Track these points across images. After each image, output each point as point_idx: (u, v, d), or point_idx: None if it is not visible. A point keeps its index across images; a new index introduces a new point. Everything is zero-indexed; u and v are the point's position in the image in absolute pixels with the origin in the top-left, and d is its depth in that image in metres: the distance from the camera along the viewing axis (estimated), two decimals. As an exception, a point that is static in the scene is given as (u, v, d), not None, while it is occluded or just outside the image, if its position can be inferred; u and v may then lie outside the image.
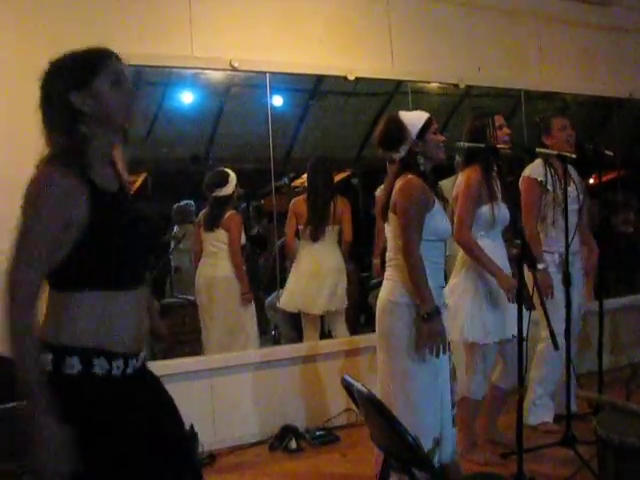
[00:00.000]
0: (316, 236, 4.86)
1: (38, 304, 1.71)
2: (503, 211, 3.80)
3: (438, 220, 3.06)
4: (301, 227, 4.93)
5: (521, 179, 4.33)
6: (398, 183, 3.06)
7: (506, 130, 3.84)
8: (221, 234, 4.76)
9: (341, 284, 4.94)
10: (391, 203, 3.08)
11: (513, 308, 3.66)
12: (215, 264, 4.78)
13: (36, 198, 1.73)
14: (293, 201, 5.00)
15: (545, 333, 4.02)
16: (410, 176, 3.04)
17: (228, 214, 4.76)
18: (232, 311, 4.82)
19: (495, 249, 3.74)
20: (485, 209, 3.72)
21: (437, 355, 2.95)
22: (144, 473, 1.82)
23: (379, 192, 4.85)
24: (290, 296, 4.92)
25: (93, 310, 1.79)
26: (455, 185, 3.84)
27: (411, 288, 2.99)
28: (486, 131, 3.78)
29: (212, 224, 4.77)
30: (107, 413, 1.78)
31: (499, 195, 3.79)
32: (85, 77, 1.84)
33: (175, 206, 5.29)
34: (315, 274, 4.89)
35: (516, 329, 3.65)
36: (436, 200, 3.07)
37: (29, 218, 1.72)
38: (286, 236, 4.99)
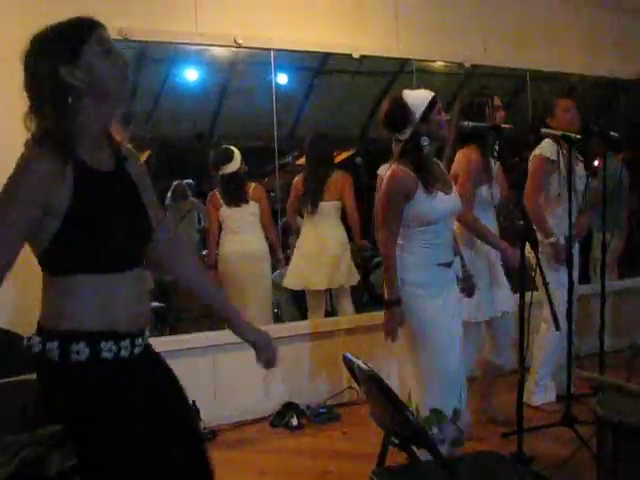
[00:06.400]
0: (311, 210, 4.84)
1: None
2: (496, 192, 3.82)
3: (423, 206, 3.07)
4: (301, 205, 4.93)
5: (531, 157, 4.29)
6: (387, 172, 3.12)
7: (502, 113, 3.82)
8: (252, 207, 4.80)
9: (344, 260, 4.94)
10: None
11: (503, 285, 3.69)
12: (243, 240, 4.81)
13: (12, 185, 1.68)
14: (296, 179, 4.99)
15: (547, 314, 4.05)
16: (395, 166, 3.10)
17: (252, 186, 4.82)
18: (263, 285, 4.90)
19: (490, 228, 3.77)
20: (483, 189, 3.73)
21: (392, 340, 3.13)
22: (153, 452, 1.82)
23: (381, 171, 4.86)
24: (294, 274, 4.93)
25: (92, 293, 1.76)
26: (453, 165, 3.82)
27: (415, 262, 3.11)
28: (484, 110, 3.76)
29: (237, 199, 4.78)
30: (118, 395, 1.77)
31: (494, 176, 3.80)
32: (73, 48, 1.72)
33: (174, 183, 5.31)
34: (317, 250, 4.89)
35: (505, 306, 3.72)
36: (419, 187, 3.07)
37: (1, 201, 1.70)
38: (287, 215, 5.00)
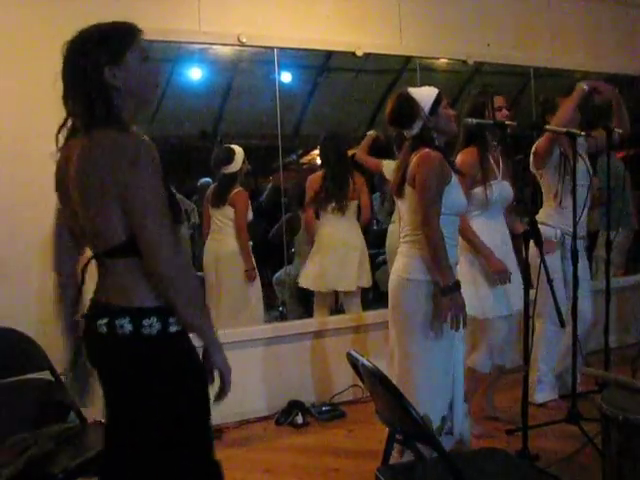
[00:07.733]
0: (341, 211, 4.81)
1: None
2: (506, 189, 3.76)
3: (455, 194, 3.03)
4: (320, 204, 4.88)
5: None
6: (414, 157, 3.01)
7: (505, 112, 3.78)
8: (228, 210, 4.76)
9: (366, 260, 4.94)
10: (408, 177, 3.03)
11: (508, 287, 3.65)
12: (221, 240, 4.79)
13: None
14: (310, 178, 4.94)
15: (541, 311, 4.05)
16: (427, 149, 3.00)
17: (235, 191, 4.77)
18: (238, 287, 4.83)
19: (491, 228, 3.71)
20: (478, 190, 3.68)
21: (457, 329, 2.94)
22: None
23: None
24: (316, 274, 4.87)
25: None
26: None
27: (428, 264, 2.96)
28: (484, 110, 3.74)
29: (219, 201, 4.78)
30: (188, 362, 2.08)
31: (499, 174, 3.75)
32: (118, 51, 1.88)
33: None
34: (340, 250, 4.85)
35: (507, 308, 3.69)
36: (453, 174, 3.05)
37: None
38: (306, 213, 4.97)
